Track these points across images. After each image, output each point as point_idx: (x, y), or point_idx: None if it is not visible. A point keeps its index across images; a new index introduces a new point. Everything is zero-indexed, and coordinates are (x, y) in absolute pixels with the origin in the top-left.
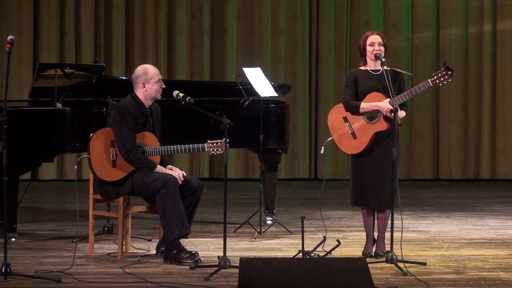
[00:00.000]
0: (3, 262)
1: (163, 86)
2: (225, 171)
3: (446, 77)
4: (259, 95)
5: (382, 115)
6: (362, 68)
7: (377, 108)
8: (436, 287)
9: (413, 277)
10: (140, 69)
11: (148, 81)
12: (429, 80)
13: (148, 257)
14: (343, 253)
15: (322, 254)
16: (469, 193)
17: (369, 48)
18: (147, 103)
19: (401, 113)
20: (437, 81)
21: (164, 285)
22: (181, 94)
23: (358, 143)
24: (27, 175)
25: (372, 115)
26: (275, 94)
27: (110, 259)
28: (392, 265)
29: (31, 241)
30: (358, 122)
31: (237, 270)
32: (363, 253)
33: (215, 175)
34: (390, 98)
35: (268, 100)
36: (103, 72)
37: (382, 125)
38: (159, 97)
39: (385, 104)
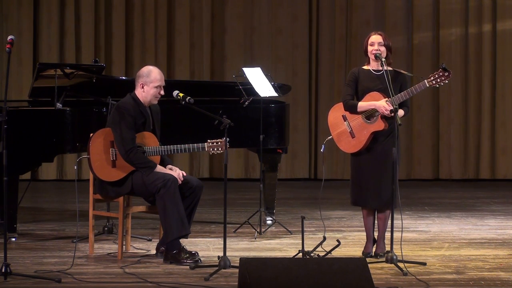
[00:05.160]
0: (3, 262)
1: (162, 93)
2: (225, 171)
3: (443, 78)
4: (259, 95)
5: (379, 115)
6: (365, 67)
7: (374, 107)
8: (436, 287)
9: (413, 277)
10: (145, 69)
11: (147, 84)
12: (425, 81)
13: (148, 257)
14: (343, 253)
15: (322, 254)
16: (469, 193)
17: (369, 48)
18: (146, 103)
19: (400, 112)
20: (434, 82)
21: (164, 285)
22: (181, 94)
23: (356, 142)
24: (27, 175)
25: (370, 115)
26: (275, 94)
27: (110, 259)
28: (392, 265)
29: (31, 241)
30: (356, 121)
31: (237, 270)
32: (363, 253)
33: (215, 175)
34: (389, 98)
35: (268, 100)
36: (103, 72)
37: (379, 125)
38: (154, 102)
39: (382, 104)
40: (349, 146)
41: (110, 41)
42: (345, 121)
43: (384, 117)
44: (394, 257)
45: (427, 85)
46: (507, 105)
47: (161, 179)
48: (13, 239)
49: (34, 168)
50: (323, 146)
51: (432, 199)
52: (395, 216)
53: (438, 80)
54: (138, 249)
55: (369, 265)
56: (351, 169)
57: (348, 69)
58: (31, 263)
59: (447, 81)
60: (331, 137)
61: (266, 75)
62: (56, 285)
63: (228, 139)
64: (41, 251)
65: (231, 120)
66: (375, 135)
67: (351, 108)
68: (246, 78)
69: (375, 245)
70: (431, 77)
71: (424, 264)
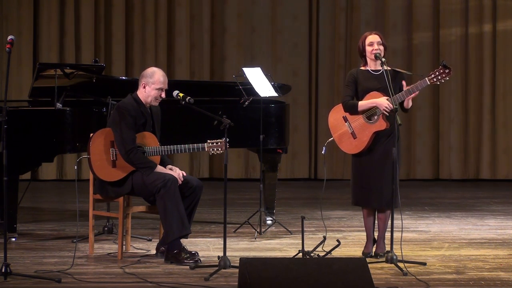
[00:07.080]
0: (3, 262)
1: (163, 96)
2: (225, 171)
3: (444, 75)
4: (259, 95)
5: (381, 114)
6: (362, 68)
7: (374, 104)
8: (436, 287)
9: (413, 277)
10: (149, 70)
11: (149, 84)
12: (426, 78)
13: (148, 257)
14: (343, 253)
15: (322, 254)
16: (469, 193)
17: (368, 48)
18: (147, 104)
19: (408, 103)
20: (435, 79)
21: (164, 285)
22: (181, 94)
23: (358, 143)
24: (27, 175)
25: (371, 115)
26: (275, 94)
27: (110, 259)
28: (392, 265)
29: (31, 241)
30: (357, 122)
31: (237, 270)
32: (363, 253)
33: (215, 175)
34: (390, 98)
35: (268, 100)
36: (103, 72)
37: (381, 124)
38: (155, 104)
39: (382, 101)
40: (351, 147)
41: (110, 41)
42: (346, 122)
43: (385, 117)
44: (394, 257)
45: (428, 83)
46: (507, 105)
47: (161, 179)
48: (13, 239)
49: (34, 168)
50: (324, 148)
51: (432, 199)
52: (395, 216)
53: (439, 77)
54: (138, 249)
55: (369, 265)
56: (352, 170)
57: (348, 69)
58: (31, 263)
59: (447, 78)
60: (332, 138)
61: (266, 75)
62: (56, 285)
63: (228, 139)
64: (41, 251)
65: (231, 120)
66: (376, 135)
67: (351, 108)
68: (246, 78)
69: (375, 245)
70: (431, 74)
71: (424, 264)
